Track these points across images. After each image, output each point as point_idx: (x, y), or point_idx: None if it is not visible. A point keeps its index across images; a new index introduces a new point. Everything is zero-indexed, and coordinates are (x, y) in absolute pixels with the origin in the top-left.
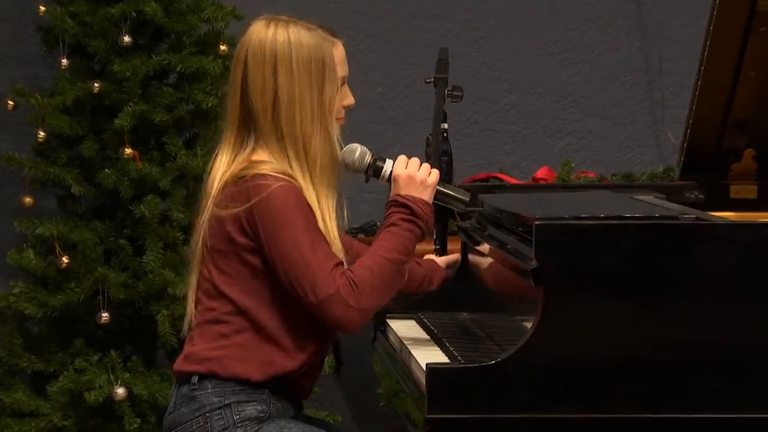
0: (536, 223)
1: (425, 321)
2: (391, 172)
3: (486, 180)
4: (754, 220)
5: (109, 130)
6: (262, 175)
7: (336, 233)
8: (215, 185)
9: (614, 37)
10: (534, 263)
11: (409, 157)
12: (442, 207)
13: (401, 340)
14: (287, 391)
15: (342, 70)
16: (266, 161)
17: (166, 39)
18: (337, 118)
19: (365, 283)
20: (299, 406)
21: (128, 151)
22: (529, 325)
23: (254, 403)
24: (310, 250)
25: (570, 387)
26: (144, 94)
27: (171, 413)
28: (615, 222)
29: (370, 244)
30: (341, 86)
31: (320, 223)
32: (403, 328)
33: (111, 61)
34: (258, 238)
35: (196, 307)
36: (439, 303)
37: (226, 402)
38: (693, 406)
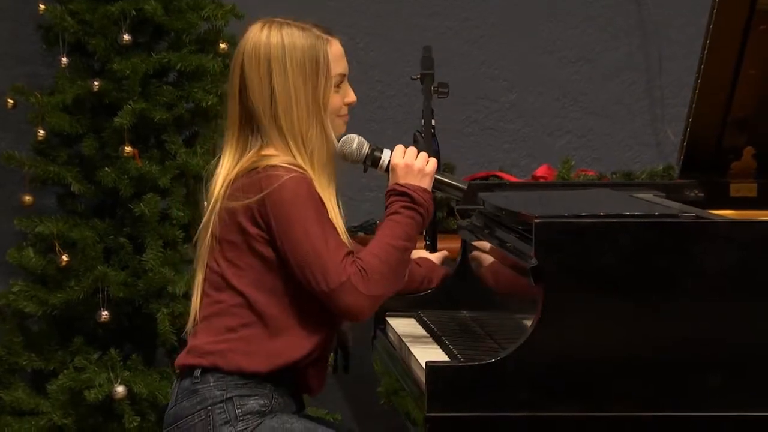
0: (536, 221)
1: (425, 319)
2: (389, 161)
3: (486, 178)
4: (753, 219)
5: (108, 129)
6: (274, 166)
7: (342, 224)
8: (219, 185)
9: (614, 36)
10: (534, 261)
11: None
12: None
13: (401, 339)
14: (291, 383)
15: (339, 67)
16: (277, 155)
17: (166, 37)
18: (339, 115)
19: (375, 271)
20: (301, 404)
21: (128, 149)
22: (528, 323)
23: (256, 397)
24: (322, 240)
25: (570, 385)
26: (144, 93)
27: (173, 407)
28: (615, 220)
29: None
30: (341, 83)
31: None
32: (403, 326)
33: (111, 59)
34: (270, 229)
35: (201, 301)
36: (439, 301)
37: (228, 396)
38: (693, 404)
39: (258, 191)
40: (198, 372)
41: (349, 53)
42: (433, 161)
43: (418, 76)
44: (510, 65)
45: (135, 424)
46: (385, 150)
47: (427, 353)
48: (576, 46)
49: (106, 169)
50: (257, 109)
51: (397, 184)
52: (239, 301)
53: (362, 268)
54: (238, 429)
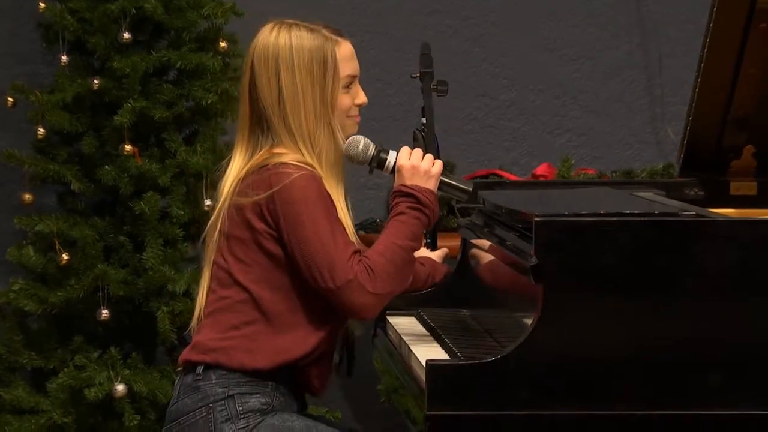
0: (536, 219)
1: (425, 317)
2: (395, 163)
3: (486, 177)
4: (753, 217)
5: (108, 127)
6: (284, 163)
7: (350, 224)
8: (229, 183)
9: (614, 34)
10: (534, 260)
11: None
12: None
13: (401, 337)
14: (293, 381)
15: (348, 68)
16: (287, 153)
17: (166, 36)
18: (349, 116)
19: (381, 269)
20: (303, 404)
21: (128, 147)
22: (529, 321)
23: (258, 395)
24: (330, 238)
25: (570, 384)
26: (144, 91)
27: (174, 403)
28: (615, 219)
29: (370, 240)
30: (351, 84)
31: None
32: (403, 324)
33: (111, 57)
34: (278, 225)
35: (207, 297)
36: (439, 299)
37: (230, 393)
38: (693, 403)
39: (267, 188)
40: (201, 369)
41: None
42: (439, 163)
43: (418, 75)
44: (510, 63)
45: (135, 422)
46: (390, 151)
47: (428, 352)
48: (576, 44)
49: (106, 167)
50: (267, 109)
51: (403, 185)
52: (245, 297)
53: (369, 266)
54: (239, 427)
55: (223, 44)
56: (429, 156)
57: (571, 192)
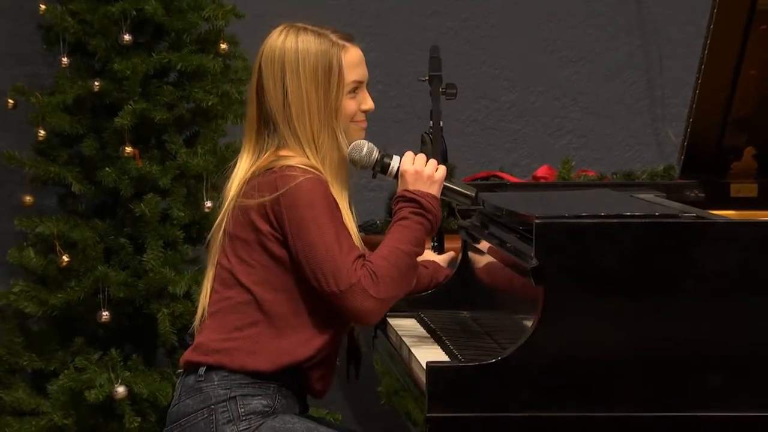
0: (536, 221)
1: (426, 319)
2: (399, 168)
3: (486, 178)
4: (754, 219)
5: (109, 129)
6: (291, 166)
7: (354, 228)
8: (236, 185)
9: (614, 35)
10: (534, 262)
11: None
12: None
13: (402, 339)
14: (295, 383)
15: (354, 74)
16: (293, 155)
17: (167, 37)
18: (354, 121)
19: (385, 274)
20: (305, 406)
21: (128, 149)
22: (529, 323)
23: (260, 397)
24: (335, 242)
25: (570, 385)
26: (144, 93)
27: (175, 405)
28: (615, 220)
29: (370, 242)
30: (357, 90)
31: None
32: (404, 326)
33: (111, 59)
34: (282, 228)
35: (210, 298)
36: (440, 301)
37: (232, 395)
38: (693, 404)
39: (273, 190)
40: (203, 370)
41: None
42: (442, 168)
43: (426, 78)
44: (510, 65)
45: (135, 424)
46: (394, 156)
47: (428, 353)
48: (576, 46)
49: (107, 169)
50: (273, 112)
51: (406, 190)
52: (247, 298)
53: (372, 271)
54: (241, 428)
55: (223, 46)
56: (432, 161)
57: (572, 194)
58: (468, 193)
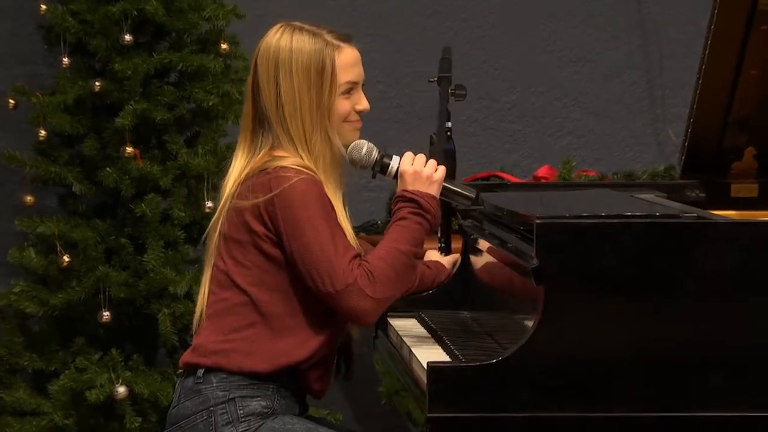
0: (537, 221)
1: (426, 319)
2: (398, 168)
3: (487, 179)
4: (754, 219)
5: (110, 129)
6: (285, 167)
7: (350, 228)
8: (231, 184)
9: (614, 35)
10: (535, 262)
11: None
12: (446, 204)
13: (402, 339)
14: (294, 384)
15: (348, 74)
16: (287, 156)
17: (167, 37)
18: (348, 121)
19: (381, 274)
20: (304, 406)
21: (129, 149)
22: (530, 323)
23: (259, 398)
24: (330, 242)
25: (571, 386)
26: (145, 93)
27: (175, 407)
28: (616, 221)
29: (372, 242)
30: (352, 90)
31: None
32: (404, 326)
33: (112, 59)
34: (277, 228)
35: (207, 299)
36: (440, 301)
37: (231, 396)
38: (694, 404)
39: (267, 191)
40: (201, 372)
41: None
42: (441, 169)
43: (435, 79)
44: (510, 65)
45: (136, 424)
46: (394, 156)
47: (429, 353)
48: (576, 46)
49: (108, 169)
50: (267, 110)
51: (405, 190)
52: (243, 299)
53: (369, 271)
54: (240, 430)
55: (224, 46)
56: (432, 161)
57: (572, 194)
58: (467, 193)
